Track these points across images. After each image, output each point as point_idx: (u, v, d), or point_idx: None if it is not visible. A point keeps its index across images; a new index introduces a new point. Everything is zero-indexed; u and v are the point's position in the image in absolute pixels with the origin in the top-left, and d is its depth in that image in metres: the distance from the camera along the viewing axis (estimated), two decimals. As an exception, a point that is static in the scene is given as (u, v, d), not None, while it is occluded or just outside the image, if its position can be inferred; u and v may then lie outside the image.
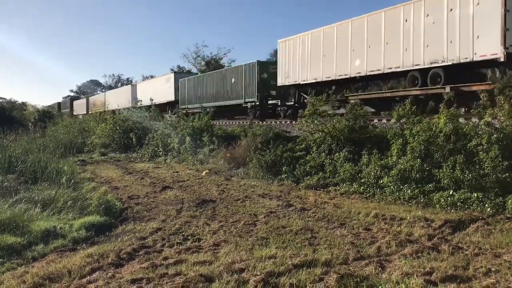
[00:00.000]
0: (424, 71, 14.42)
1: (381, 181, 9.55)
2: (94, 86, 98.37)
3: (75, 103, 68.94)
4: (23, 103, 73.95)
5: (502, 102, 8.97)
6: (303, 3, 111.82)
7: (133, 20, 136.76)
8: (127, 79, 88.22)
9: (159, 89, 37.25)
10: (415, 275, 4.62)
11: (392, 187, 9.22)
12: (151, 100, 33.18)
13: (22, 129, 27.03)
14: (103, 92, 67.20)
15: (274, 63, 23.49)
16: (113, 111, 35.16)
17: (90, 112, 50.59)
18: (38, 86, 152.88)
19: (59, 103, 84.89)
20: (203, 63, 52.57)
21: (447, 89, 13.22)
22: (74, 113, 63.31)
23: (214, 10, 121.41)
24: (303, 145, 13.08)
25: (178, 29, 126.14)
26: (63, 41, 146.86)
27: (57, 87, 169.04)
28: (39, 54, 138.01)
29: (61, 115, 61.87)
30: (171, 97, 35.45)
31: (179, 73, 35.25)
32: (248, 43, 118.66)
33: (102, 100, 55.44)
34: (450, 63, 13.32)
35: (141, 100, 34.83)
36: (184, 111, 30.71)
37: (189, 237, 6.60)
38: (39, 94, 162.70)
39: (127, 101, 43.78)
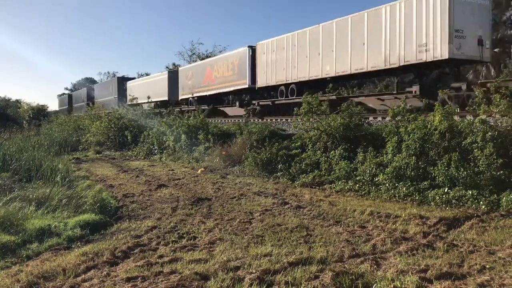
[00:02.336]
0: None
1: (377, 179, 9.57)
2: (89, 84, 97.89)
3: (131, 84, 44.21)
4: (18, 101, 73.62)
5: (498, 100, 8.99)
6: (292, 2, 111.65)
7: (127, 19, 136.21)
8: (122, 77, 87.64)
9: None
10: (410, 273, 4.63)
11: (387, 185, 9.24)
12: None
13: (16, 127, 26.96)
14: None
15: None
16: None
17: (182, 98, 31.38)
18: (32, 84, 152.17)
19: (69, 95, 69.81)
20: (198, 61, 52.30)
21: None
22: (132, 102, 37.00)
23: (210, 9, 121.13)
24: (299, 143, 13.07)
25: (173, 28, 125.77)
26: (58, 39, 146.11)
27: (51, 85, 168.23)
28: (34, 52, 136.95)
29: (73, 110, 52.08)
30: None
31: None
32: (245, 41, 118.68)
33: (215, 67, 27.98)
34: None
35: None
36: None
37: (185, 235, 6.59)
38: (34, 92, 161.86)
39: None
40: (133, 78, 48.13)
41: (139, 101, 38.99)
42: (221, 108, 28.48)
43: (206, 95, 29.16)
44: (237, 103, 25.98)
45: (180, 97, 32.87)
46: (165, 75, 36.03)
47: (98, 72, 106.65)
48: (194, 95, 30.59)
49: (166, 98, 34.97)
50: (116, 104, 42.89)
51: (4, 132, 19.77)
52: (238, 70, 24.82)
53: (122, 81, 49.12)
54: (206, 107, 28.31)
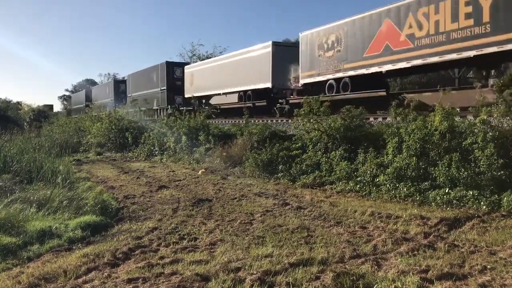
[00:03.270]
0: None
1: (377, 180, 9.56)
2: (89, 85, 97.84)
3: (192, 70, 32.63)
4: (18, 103, 73.70)
5: (500, 101, 8.96)
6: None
7: (127, 19, 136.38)
8: (123, 78, 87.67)
9: None
10: (411, 273, 4.62)
11: (388, 185, 9.24)
12: None
13: (17, 129, 26.98)
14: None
15: None
16: None
17: (307, 82, 20.13)
18: (32, 85, 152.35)
19: (87, 91, 58.37)
20: (199, 62, 51.61)
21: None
22: (193, 94, 30.30)
23: (210, 9, 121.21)
24: (299, 144, 13.08)
25: (173, 28, 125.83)
26: (58, 40, 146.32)
27: (51, 86, 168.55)
28: (33, 53, 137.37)
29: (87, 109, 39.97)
30: None
31: None
32: (244, 42, 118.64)
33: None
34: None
35: None
36: None
37: (185, 236, 6.59)
38: (34, 93, 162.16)
39: None
40: (187, 63, 35.23)
41: (207, 93, 28.10)
42: (426, 94, 15.12)
43: (375, 73, 16.29)
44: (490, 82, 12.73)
45: (303, 81, 20.36)
46: (267, 49, 22.81)
47: (99, 73, 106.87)
48: (344, 74, 17.85)
49: (268, 85, 22.69)
50: (166, 99, 33.12)
51: (5, 134, 19.79)
52: (497, 16, 11.94)
53: (173, 67, 35.24)
54: (384, 93, 16.44)
